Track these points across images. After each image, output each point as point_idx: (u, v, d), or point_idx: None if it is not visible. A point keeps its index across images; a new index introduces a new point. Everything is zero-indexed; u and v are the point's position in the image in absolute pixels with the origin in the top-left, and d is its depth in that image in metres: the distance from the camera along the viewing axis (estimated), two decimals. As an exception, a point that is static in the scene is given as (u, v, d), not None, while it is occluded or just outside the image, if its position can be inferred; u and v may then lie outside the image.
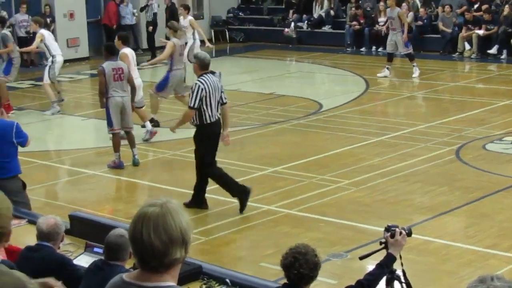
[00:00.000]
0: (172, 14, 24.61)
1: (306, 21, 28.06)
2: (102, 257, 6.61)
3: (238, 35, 29.42)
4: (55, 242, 6.62)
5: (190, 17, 20.43)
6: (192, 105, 10.72)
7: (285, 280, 5.73)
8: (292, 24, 27.97)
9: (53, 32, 23.58)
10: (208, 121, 10.83)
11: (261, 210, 11.14)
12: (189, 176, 12.07)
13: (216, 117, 10.92)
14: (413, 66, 21.03)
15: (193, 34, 19.97)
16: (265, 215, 10.97)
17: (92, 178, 13.17)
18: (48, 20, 23.91)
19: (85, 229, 9.56)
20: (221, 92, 10.93)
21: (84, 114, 17.84)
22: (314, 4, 28.37)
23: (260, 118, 16.88)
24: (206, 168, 11.01)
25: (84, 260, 7.22)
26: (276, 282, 7.47)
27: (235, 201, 11.20)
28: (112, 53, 13.59)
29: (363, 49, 26.28)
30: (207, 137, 10.91)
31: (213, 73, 10.98)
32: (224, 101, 10.99)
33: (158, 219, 3.11)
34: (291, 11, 28.73)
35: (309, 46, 26.92)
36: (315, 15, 28.16)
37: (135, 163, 13.43)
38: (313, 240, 9.16)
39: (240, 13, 30.43)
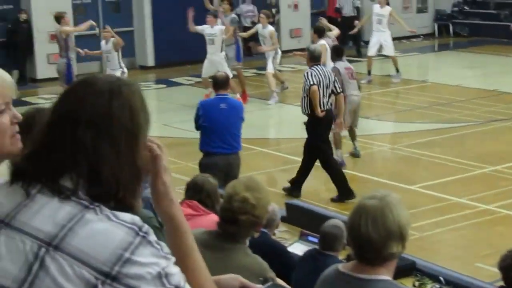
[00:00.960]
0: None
1: (535, 16, 26.96)
2: (316, 246, 6.69)
3: (463, 29, 28.69)
4: (271, 228, 6.75)
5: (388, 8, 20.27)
6: (312, 82, 11.21)
7: (501, 283, 5.56)
8: (520, 19, 26.95)
9: (277, 22, 24.04)
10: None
11: (480, 209, 10.84)
12: (408, 171, 11.98)
13: (327, 107, 11.40)
14: None
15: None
16: (483, 214, 10.67)
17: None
18: (274, 10, 24.36)
19: (300, 217, 9.73)
20: (334, 82, 11.49)
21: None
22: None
23: (481, 115, 16.39)
24: (315, 149, 11.43)
25: (298, 248, 7.32)
26: (492, 284, 7.27)
27: (453, 198, 11.05)
28: (339, 54, 13.58)
29: None
30: (319, 124, 11.29)
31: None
32: (338, 90, 11.61)
33: (377, 212, 3.10)
34: (520, 6, 27.70)
35: (537, 42, 25.80)
36: (546, 10, 27.01)
37: (356, 155, 13.36)
38: (533, 244, 8.81)
39: (466, 7, 29.66)
